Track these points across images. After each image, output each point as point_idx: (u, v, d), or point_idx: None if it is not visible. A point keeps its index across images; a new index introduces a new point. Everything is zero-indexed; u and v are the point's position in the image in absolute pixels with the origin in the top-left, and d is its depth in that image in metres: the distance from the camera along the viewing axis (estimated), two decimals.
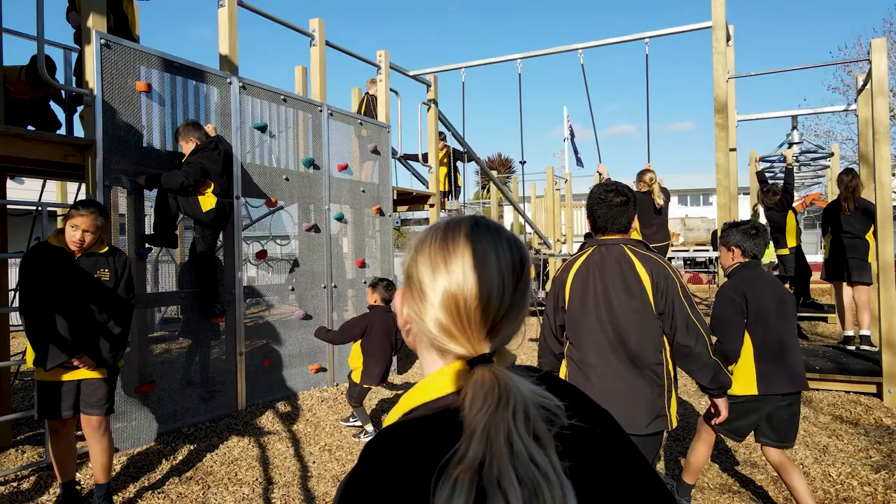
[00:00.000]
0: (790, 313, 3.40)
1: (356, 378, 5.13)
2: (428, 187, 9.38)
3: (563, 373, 2.76)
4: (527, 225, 14.73)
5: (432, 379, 0.79)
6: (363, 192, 7.41)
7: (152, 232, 4.86)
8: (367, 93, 9.02)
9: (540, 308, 2.75)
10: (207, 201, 4.88)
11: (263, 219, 7.20)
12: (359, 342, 5.14)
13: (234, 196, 5.62)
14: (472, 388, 0.72)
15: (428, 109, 9.36)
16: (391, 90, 8.14)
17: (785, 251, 8.91)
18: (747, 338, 3.36)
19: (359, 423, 5.32)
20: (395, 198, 8.08)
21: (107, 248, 3.64)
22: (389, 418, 0.81)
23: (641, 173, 7.09)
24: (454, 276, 0.79)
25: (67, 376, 3.49)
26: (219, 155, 4.96)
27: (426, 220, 9.72)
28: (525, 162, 9.22)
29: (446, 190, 9.73)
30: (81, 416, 3.56)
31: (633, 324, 2.59)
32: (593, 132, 17.17)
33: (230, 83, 5.62)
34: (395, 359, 5.83)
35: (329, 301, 6.73)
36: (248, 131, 5.88)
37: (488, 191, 15.50)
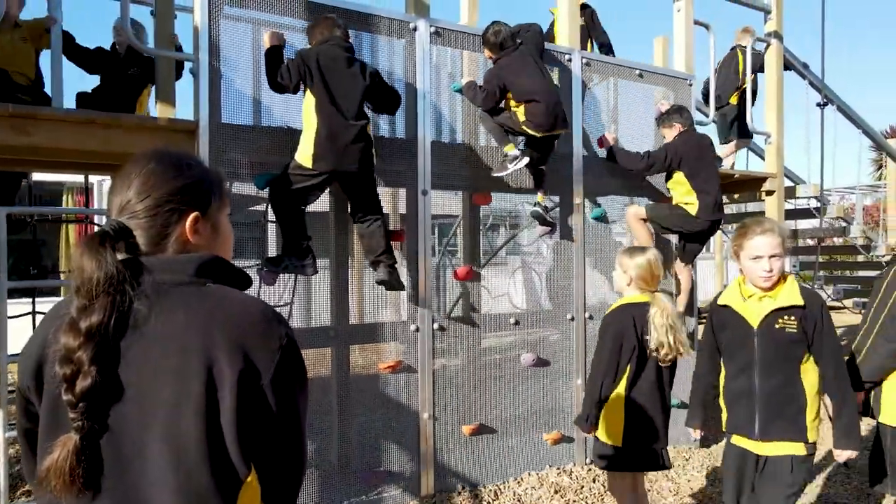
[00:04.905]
0: None
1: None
2: (764, 163, 6.32)
3: None
4: None
5: (630, 297, 2.89)
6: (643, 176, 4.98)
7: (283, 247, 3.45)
8: (736, 46, 6.59)
9: None
10: None
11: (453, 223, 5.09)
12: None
13: (418, 190, 3.94)
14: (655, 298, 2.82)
15: (765, 50, 6.29)
16: (697, 23, 5.47)
17: None
18: None
19: None
20: None
21: None
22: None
23: None
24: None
25: None
26: None
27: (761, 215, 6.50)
28: None
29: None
30: None
31: None
32: None
33: (415, 29, 3.95)
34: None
35: (578, 339, 4.55)
36: (444, 94, 4.14)
37: (881, 172, 11.09)
